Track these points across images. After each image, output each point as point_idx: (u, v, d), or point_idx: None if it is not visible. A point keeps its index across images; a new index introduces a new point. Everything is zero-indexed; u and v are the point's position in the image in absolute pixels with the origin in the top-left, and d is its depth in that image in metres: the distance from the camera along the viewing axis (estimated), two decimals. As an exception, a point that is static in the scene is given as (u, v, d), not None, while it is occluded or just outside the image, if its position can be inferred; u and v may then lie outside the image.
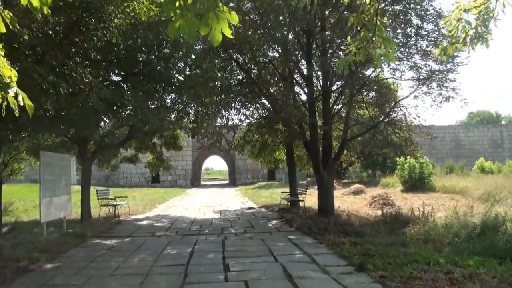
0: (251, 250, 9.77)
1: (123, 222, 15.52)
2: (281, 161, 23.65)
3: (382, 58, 4.78)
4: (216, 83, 13.11)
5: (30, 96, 3.31)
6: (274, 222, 15.06)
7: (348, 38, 4.85)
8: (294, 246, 10.25)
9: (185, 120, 17.15)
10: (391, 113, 16.69)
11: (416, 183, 28.94)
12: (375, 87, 16.83)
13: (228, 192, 37.25)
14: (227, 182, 61.77)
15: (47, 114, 6.80)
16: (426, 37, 15.00)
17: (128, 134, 16.08)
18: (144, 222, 15.72)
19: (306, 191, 17.03)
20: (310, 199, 18.99)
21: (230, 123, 16.10)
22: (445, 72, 15.47)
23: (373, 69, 16.45)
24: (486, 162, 43.86)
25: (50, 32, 7.35)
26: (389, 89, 17.63)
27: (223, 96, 14.74)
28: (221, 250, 9.79)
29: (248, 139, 18.36)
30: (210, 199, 27.91)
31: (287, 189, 32.94)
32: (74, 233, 12.41)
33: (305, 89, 16.24)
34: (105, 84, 10.18)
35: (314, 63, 15.80)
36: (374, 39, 4.70)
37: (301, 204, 17.79)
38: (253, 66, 16.72)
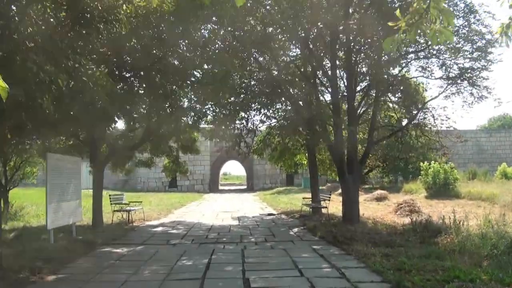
0: (273, 262, 8.91)
1: (137, 229, 14.78)
2: (303, 166, 22.75)
3: (437, 36, 3.91)
4: (236, 80, 12.28)
5: (26, 90, 2.53)
6: (295, 230, 14.18)
7: (397, 12, 3.97)
8: (320, 257, 9.37)
9: (203, 121, 16.44)
10: (419, 114, 15.75)
11: (441, 189, 27.82)
12: (402, 87, 15.91)
13: (246, 197, 36.41)
14: (245, 187, 60.98)
15: (47, 112, 6.01)
16: (455, 33, 14.05)
17: (142, 136, 15.35)
18: (159, 228, 14.96)
19: (329, 197, 16.12)
20: (332, 205, 18.06)
21: (249, 125, 15.22)
22: (477, 70, 14.51)
23: (400, 68, 15.58)
24: (509, 167, 42.77)
25: (52, 20, 6.61)
26: (416, 90, 16.68)
27: (242, 96, 13.93)
28: (241, 262, 8.96)
29: (268, 141, 17.51)
30: (228, 205, 27.11)
31: (308, 195, 32.04)
32: (83, 240, 11.70)
33: (329, 89, 15.35)
34: (114, 79, 9.38)
35: (338, 62, 14.97)
36: (428, 12, 3.84)
37: (323, 211, 16.89)
38: (273, 66, 15.90)
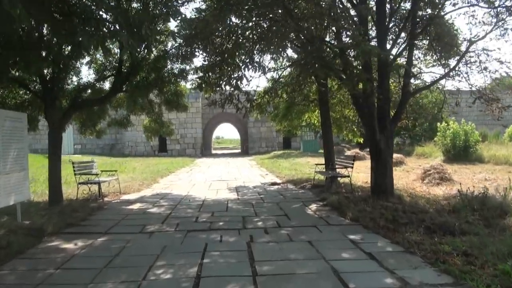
0: (302, 272, 5.55)
1: (107, 207, 11.45)
2: (314, 125, 19.25)
3: None
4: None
5: None
6: (313, 206, 10.88)
7: None
8: (372, 260, 6.06)
9: (190, 68, 13.04)
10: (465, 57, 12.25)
11: (461, 153, 24.79)
12: (442, 27, 12.44)
13: (242, 162, 33.15)
14: (239, 151, 57.97)
15: None
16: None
17: (112, 86, 11.89)
18: (136, 206, 11.61)
19: (352, 164, 12.79)
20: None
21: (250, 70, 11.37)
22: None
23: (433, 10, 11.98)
24: None
25: None
26: (456, 34, 13.15)
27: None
28: (249, 271, 5.63)
29: (274, 94, 13.99)
30: (223, 171, 23.82)
31: (311, 159, 28.87)
32: (28, 228, 8.39)
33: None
34: None
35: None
36: None
37: (341, 180, 13.62)
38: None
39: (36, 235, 8.07)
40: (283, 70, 14.62)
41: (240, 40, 9.28)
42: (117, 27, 6.15)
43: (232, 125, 56.76)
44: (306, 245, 6.92)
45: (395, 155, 26.29)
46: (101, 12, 6.32)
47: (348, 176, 12.63)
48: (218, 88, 10.62)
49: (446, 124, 26.08)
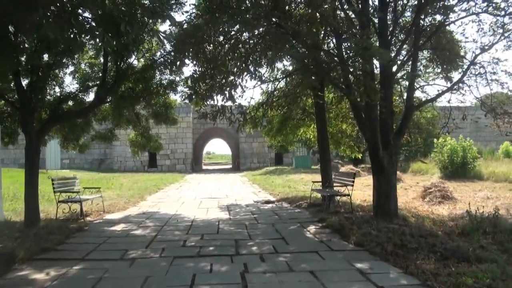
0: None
1: (88, 228, 10.52)
2: (310, 141, 18.39)
3: None
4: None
5: None
6: (312, 228, 10.02)
7: None
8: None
9: (180, 80, 12.34)
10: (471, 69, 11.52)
11: (458, 170, 24.10)
12: (447, 36, 11.81)
13: (233, 178, 32.26)
14: (230, 166, 57.09)
15: None
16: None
17: (96, 96, 11.05)
18: (119, 227, 10.70)
19: (353, 182, 11.96)
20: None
21: (245, 79, 10.57)
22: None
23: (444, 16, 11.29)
24: None
25: None
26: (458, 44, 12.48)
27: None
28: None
29: (266, 109, 13.20)
30: (214, 188, 22.91)
31: (305, 176, 28.05)
32: (-3, 253, 7.52)
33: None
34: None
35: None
36: None
37: (340, 198, 12.78)
38: None
39: (5, 262, 7.19)
40: (279, 81, 13.88)
41: (235, 45, 8.49)
42: (92, 23, 5.34)
43: (223, 140, 55.95)
44: (308, 277, 6.07)
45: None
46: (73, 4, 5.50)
47: (348, 195, 11.79)
48: (209, 100, 9.78)
49: (443, 140, 25.44)
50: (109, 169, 43.98)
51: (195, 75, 9.30)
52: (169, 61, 10.10)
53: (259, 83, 11.22)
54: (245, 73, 7.86)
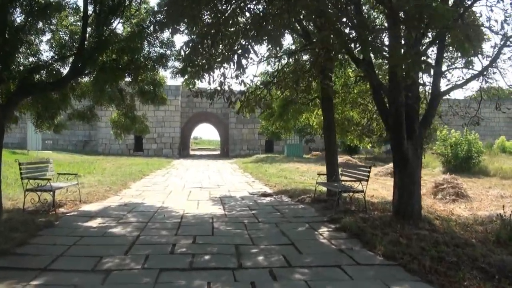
0: None
1: (59, 223, 8.86)
2: (314, 127, 16.68)
3: None
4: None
5: None
6: (324, 231, 8.44)
7: None
8: None
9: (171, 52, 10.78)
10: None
11: (462, 164, 22.75)
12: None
13: (223, 165, 30.69)
14: (218, 153, 55.50)
15: None
16: None
17: (72, 66, 9.37)
18: (96, 222, 9.06)
19: (367, 176, 10.39)
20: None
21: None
22: None
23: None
24: (509, 141, 40.36)
25: None
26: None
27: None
28: None
29: (269, 89, 11.53)
30: (203, 176, 21.32)
31: (300, 165, 26.53)
32: None
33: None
34: None
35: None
36: None
37: (346, 194, 11.23)
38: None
39: None
40: (285, 58, 12.25)
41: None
42: None
43: (212, 125, 54.23)
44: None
45: (391, 165, 24.36)
46: None
47: (362, 192, 10.24)
48: (207, 74, 8.11)
49: (446, 132, 24.06)
50: (93, 152, 42.28)
51: (191, 44, 7.61)
52: (157, 26, 8.41)
53: (275, 51, 9.62)
54: (262, 34, 6.14)
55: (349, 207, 10.68)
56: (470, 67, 10.40)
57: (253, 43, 6.50)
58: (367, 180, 10.25)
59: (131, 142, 43.79)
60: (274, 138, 40.46)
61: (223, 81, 8.34)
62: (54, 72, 10.01)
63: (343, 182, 11.55)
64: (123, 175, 19.12)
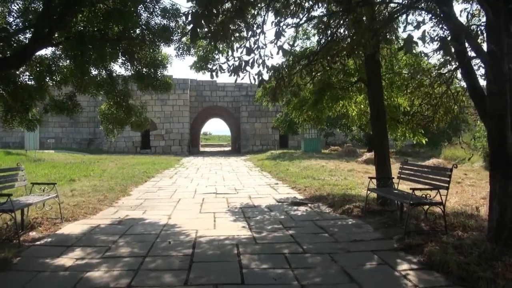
0: None
1: (18, 260, 6.08)
2: (353, 118, 13.48)
3: None
4: None
5: None
6: (407, 271, 5.56)
7: None
8: None
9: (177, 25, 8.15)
10: None
11: (510, 159, 19.75)
12: None
13: (236, 163, 27.98)
14: (229, 149, 52.76)
15: None
16: None
17: (35, 31, 6.66)
18: (71, 257, 6.29)
19: (448, 180, 7.44)
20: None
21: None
22: None
23: None
24: None
25: None
26: None
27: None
28: None
29: (303, 72, 8.67)
30: (217, 177, 18.58)
31: (323, 162, 23.62)
32: None
33: None
34: None
35: None
36: None
37: (424, 207, 8.30)
38: None
39: None
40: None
41: None
42: None
43: (223, 120, 51.39)
44: None
45: (434, 160, 21.52)
46: None
47: (441, 204, 7.40)
48: (224, 39, 5.36)
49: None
50: (98, 150, 39.89)
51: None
52: None
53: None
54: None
55: (418, 223, 7.90)
56: None
57: None
58: (447, 188, 7.41)
59: (137, 140, 41.32)
60: (290, 132, 37.65)
61: (252, 46, 5.56)
62: (13, 43, 7.29)
63: (402, 189, 8.72)
64: (124, 178, 16.43)
